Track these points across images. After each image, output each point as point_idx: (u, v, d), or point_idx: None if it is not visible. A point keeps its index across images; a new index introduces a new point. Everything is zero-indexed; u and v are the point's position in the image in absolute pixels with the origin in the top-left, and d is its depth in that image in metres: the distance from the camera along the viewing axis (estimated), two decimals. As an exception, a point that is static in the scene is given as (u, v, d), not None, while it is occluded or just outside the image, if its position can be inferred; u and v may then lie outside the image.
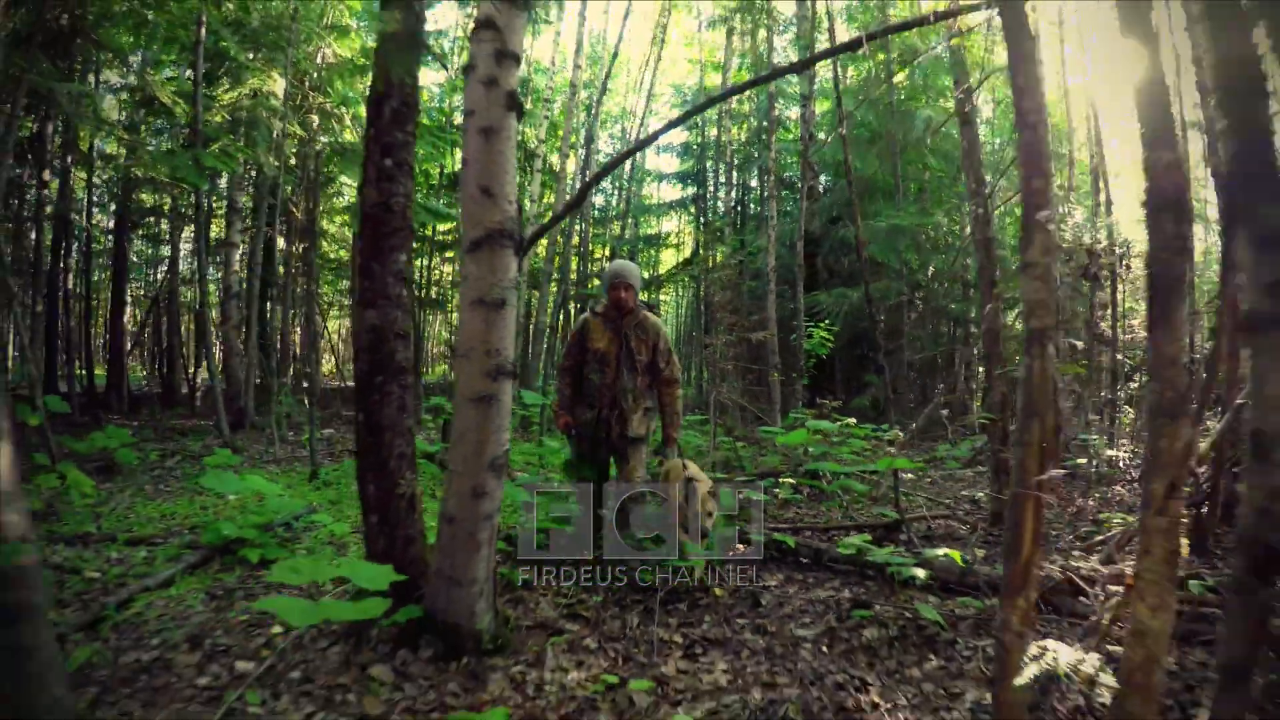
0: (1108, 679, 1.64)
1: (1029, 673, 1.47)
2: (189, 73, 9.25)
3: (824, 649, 2.51)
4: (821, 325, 6.10)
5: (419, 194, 10.17)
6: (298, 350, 11.36)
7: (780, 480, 4.15)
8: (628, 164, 14.88)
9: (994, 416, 3.86)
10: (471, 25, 2.41)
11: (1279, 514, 1.04)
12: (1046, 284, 1.67)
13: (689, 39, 13.80)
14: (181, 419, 9.56)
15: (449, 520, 2.27)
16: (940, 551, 2.80)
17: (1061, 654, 1.56)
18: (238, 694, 2.27)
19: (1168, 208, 1.35)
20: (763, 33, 11.36)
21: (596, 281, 15.67)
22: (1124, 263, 6.68)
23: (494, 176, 2.16)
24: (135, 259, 14.34)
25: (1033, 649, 1.55)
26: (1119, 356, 6.20)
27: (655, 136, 3.91)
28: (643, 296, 3.62)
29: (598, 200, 15.43)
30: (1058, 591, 2.65)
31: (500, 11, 2.38)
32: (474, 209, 2.15)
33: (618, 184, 14.65)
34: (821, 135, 11.07)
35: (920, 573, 2.63)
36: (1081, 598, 2.47)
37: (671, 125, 3.85)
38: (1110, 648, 1.98)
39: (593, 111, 12.61)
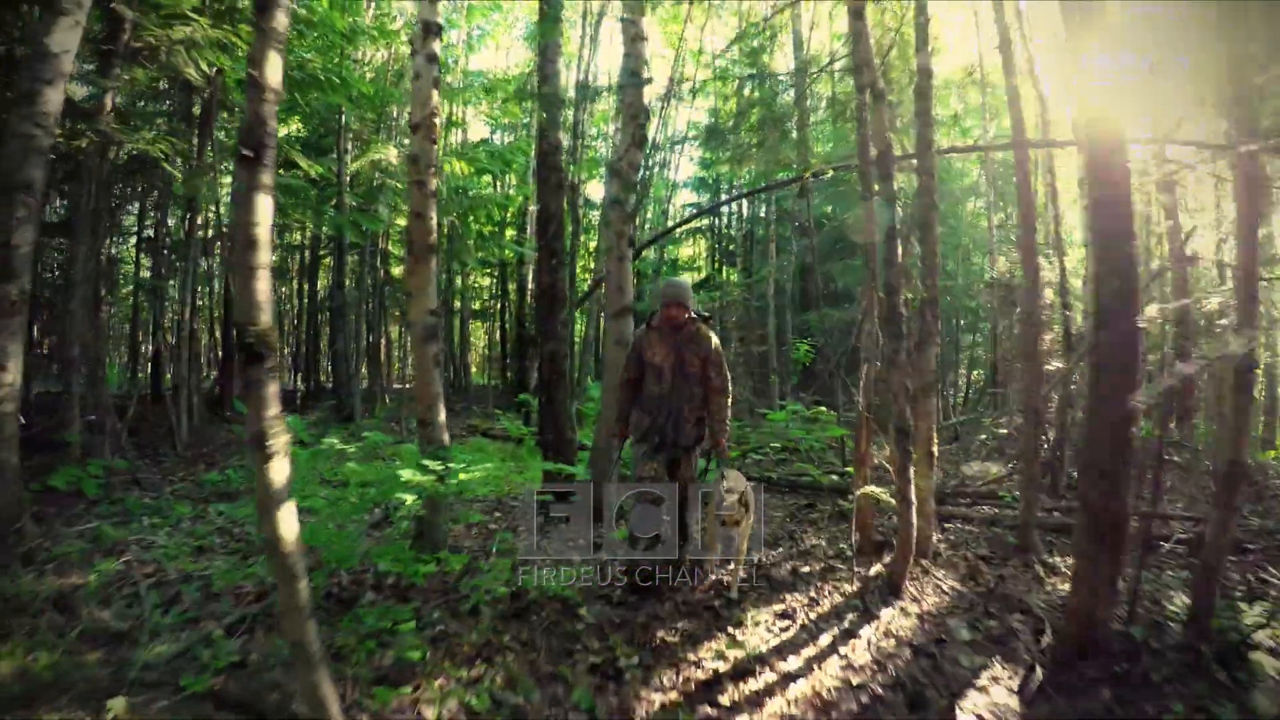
0: (889, 499, 3.89)
1: (860, 492, 3.74)
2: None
3: (787, 520, 4.82)
4: (805, 341, 8.38)
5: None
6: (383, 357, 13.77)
7: (770, 445, 6.45)
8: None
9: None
10: (609, 202, 4.73)
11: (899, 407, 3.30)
12: (872, 338, 3.95)
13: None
14: (297, 414, 11.99)
15: (595, 449, 4.59)
16: (849, 468, 5.09)
17: (874, 490, 3.82)
18: (500, 531, 4.59)
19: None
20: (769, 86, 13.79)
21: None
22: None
23: (623, 282, 4.47)
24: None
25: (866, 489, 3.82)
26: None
27: (685, 222, 6.22)
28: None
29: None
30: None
31: (622, 194, 4.71)
32: (614, 297, 4.47)
33: (646, 215, 17.04)
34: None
35: (836, 477, 4.92)
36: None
37: (694, 218, 6.17)
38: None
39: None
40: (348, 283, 11.84)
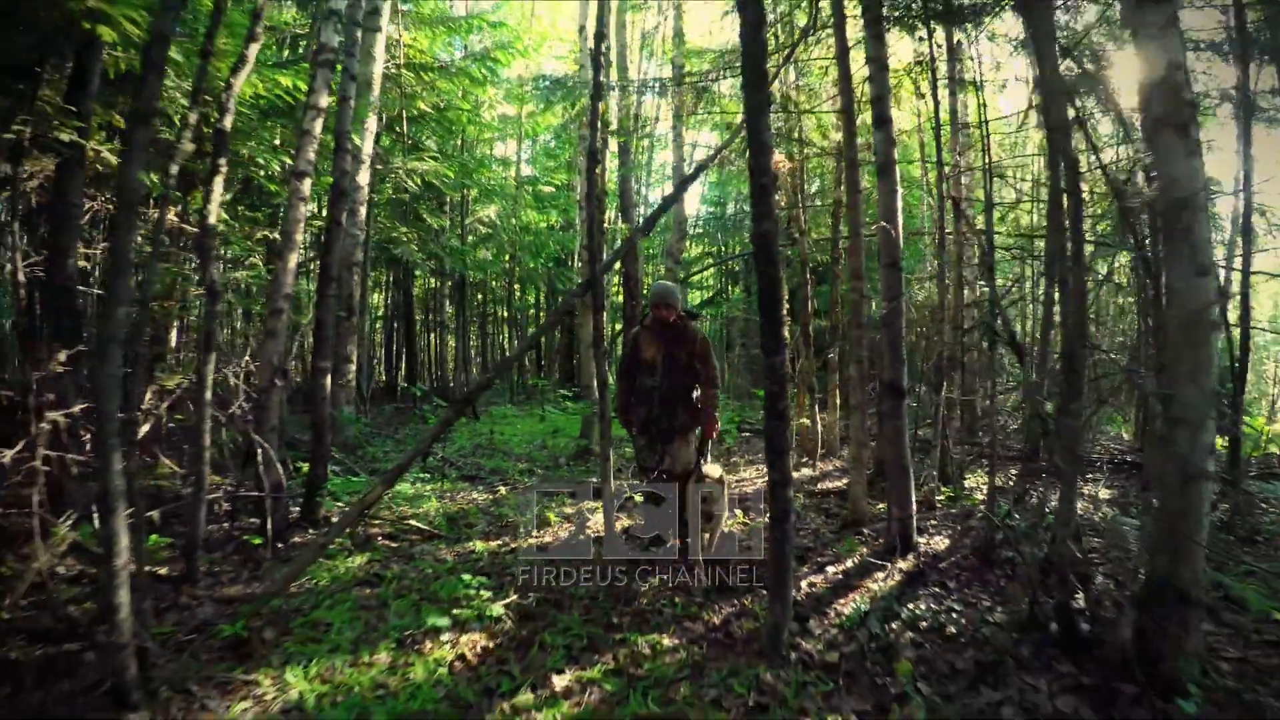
0: (810, 424, 7.68)
1: (797, 421, 7.55)
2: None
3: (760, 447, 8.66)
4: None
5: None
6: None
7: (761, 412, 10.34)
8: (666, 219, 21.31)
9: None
10: (666, 269, 8.63)
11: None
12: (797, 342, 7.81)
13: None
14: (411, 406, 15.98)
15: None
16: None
17: (805, 420, 7.61)
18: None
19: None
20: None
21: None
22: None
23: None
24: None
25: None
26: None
27: (710, 266, 10.09)
28: None
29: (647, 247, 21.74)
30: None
31: (674, 265, 8.57)
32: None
33: (661, 240, 20.94)
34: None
35: (794, 422, 8.78)
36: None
37: (719, 262, 10.06)
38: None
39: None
40: (447, 305, 15.83)
